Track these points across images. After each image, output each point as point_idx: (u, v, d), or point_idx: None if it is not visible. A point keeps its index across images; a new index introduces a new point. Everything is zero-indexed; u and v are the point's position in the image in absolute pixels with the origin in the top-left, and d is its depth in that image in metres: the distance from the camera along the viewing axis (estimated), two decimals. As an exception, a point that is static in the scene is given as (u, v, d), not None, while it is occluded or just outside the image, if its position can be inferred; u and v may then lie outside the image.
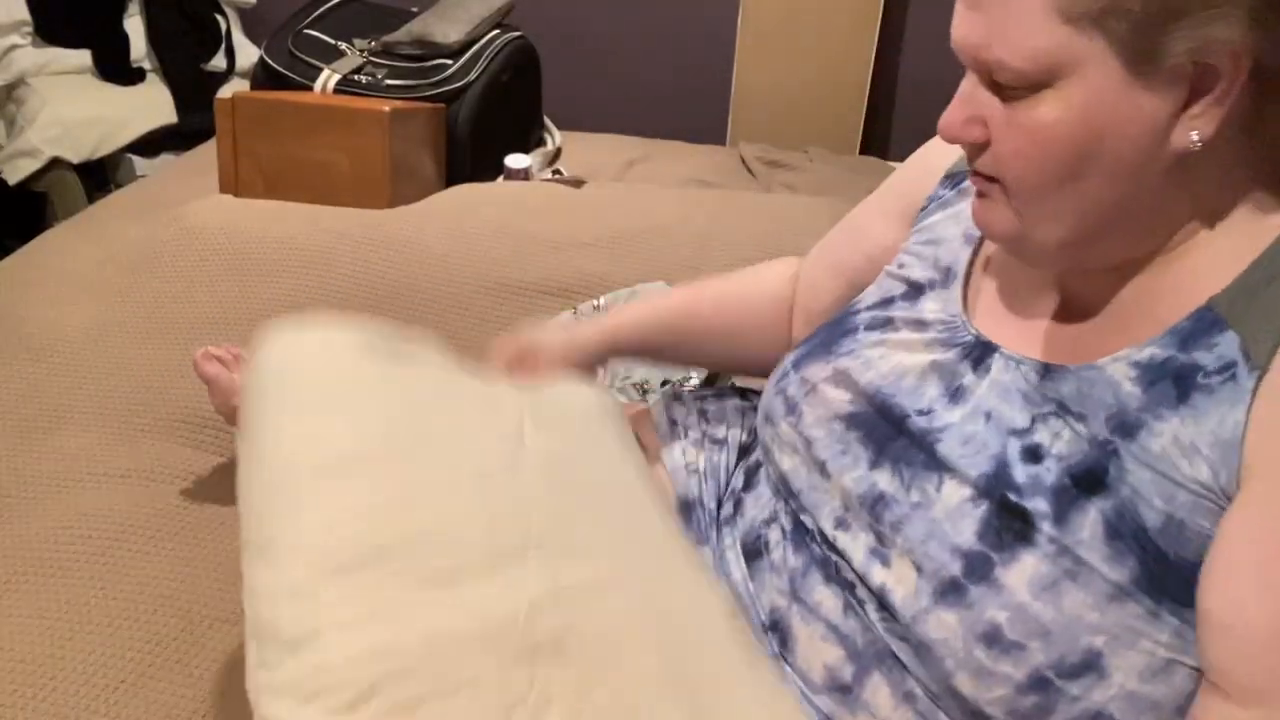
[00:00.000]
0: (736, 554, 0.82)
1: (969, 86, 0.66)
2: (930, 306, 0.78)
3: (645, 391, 1.28)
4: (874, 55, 2.79)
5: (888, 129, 3.05)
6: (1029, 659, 0.62)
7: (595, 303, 1.43)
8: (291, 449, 0.71)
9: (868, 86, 2.82)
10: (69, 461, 1.11)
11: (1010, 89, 0.63)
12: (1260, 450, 0.59)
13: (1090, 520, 0.63)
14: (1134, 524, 0.62)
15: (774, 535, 0.79)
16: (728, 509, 0.87)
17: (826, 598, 0.73)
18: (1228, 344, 0.62)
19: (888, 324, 0.80)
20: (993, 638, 0.63)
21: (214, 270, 1.46)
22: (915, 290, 0.80)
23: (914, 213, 0.87)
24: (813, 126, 2.86)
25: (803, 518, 0.77)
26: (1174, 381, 0.63)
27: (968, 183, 0.82)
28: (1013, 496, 0.65)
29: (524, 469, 0.76)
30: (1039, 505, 0.64)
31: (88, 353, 1.29)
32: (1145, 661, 0.62)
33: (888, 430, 0.74)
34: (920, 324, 0.78)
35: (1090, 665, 0.62)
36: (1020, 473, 0.66)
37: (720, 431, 0.95)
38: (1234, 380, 0.61)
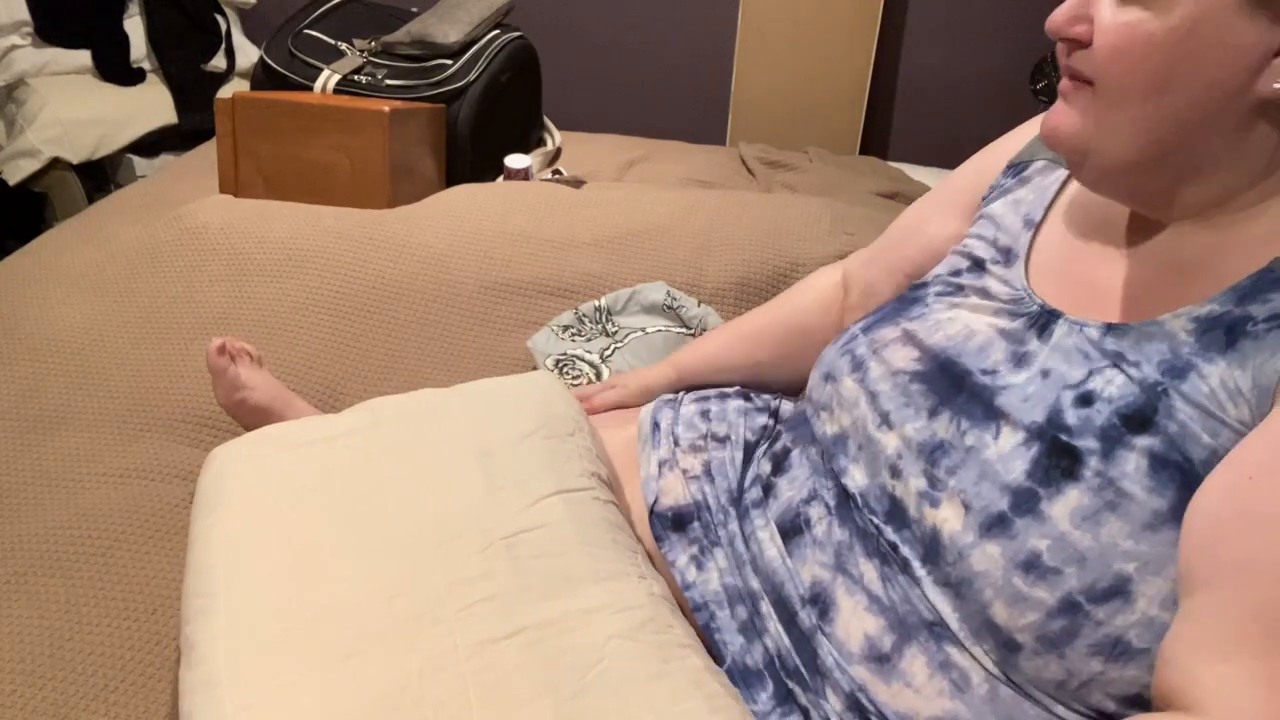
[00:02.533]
0: (771, 533, 0.84)
1: None
2: (994, 282, 0.82)
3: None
4: (874, 55, 2.79)
5: (888, 129, 3.06)
6: (1063, 584, 0.65)
7: (596, 303, 1.42)
8: (211, 557, 0.79)
9: (868, 86, 2.82)
10: (69, 461, 1.11)
11: None
12: None
13: (1135, 455, 0.65)
14: (1180, 456, 0.64)
15: (815, 512, 0.82)
16: (755, 494, 0.90)
17: (870, 569, 0.76)
18: None
19: (958, 290, 0.83)
20: (1031, 565, 0.66)
21: (214, 270, 1.46)
22: (979, 266, 0.84)
23: (976, 204, 0.91)
24: (813, 126, 2.86)
25: (845, 481, 0.80)
26: (1225, 331, 0.65)
27: (1028, 171, 0.86)
28: (1063, 437, 0.68)
29: (430, 531, 0.80)
30: (1088, 443, 0.67)
31: (88, 353, 1.29)
32: (1170, 589, 0.63)
33: (950, 386, 0.77)
34: (987, 293, 0.81)
35: (1119, 590, 0.64)
36: (1072, 416, 0.69)
37: (723, 429, 0.97)
38: (1279, 330, 0.63)
